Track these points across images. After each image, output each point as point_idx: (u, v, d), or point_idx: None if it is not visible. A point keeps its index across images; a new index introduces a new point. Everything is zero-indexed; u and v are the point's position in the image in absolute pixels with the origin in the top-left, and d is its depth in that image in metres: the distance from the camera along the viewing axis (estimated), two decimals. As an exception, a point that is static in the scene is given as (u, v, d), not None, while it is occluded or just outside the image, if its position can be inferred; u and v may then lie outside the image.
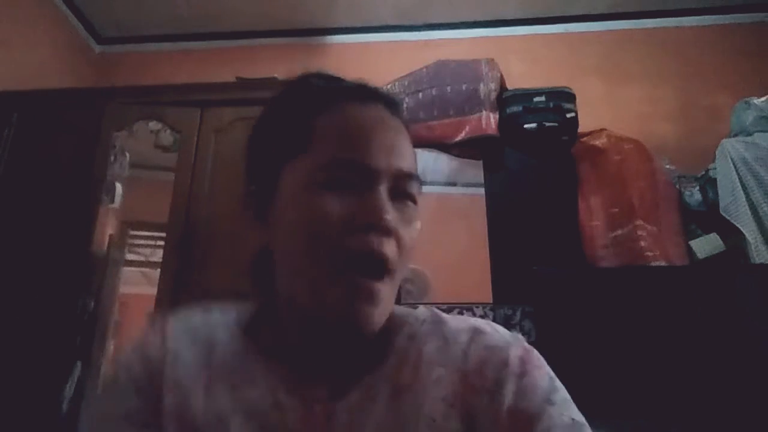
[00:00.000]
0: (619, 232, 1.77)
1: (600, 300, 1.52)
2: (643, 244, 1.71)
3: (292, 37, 2.69)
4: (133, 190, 2.05)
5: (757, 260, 1.66)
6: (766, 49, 2.38)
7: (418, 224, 0.49)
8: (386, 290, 0.46)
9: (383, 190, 0.46)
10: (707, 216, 1.85)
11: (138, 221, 2.21)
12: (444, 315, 0.54)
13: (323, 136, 0.48)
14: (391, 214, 0.45)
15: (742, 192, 1.74)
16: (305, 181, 0.47)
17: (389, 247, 0.45)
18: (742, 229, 1.70)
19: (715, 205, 1.80)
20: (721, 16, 2.47)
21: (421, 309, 0.55)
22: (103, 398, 0.51)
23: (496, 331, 0.51)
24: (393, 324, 0.51)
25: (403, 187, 0.48)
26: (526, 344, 0.50)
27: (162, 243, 1.83)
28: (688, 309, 1.46)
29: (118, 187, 1.99)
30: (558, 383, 0.48)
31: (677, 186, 1.93)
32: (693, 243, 1.79)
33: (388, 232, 0.45)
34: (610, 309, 1.49)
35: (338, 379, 0.48)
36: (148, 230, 2.26)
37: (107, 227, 1.94)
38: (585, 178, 1.89)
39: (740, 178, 1.76)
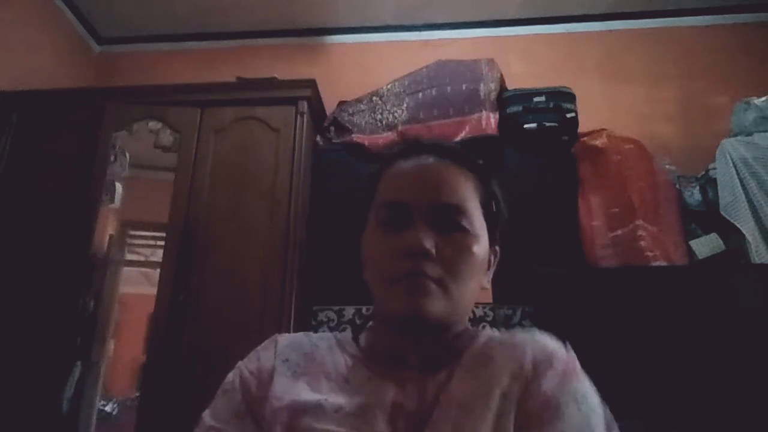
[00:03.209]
0: (619, 232, 1.77)
1: (600, 300, 1.51)
2: (643, 244, 1.71)
3: (292, 37, 2.69)
4: (133, 190, 2.06)
5: (757, 260, 1.66)
6: (766, 49, 2.38)
7: (475, 248, 0.59)
8: (437, 291, 0.56)
9: (422, 222, 0.57)
10: (707, 216, 1.85)
11: (138, 221, 2.21)
12: (511, 331, 0.63)
13: (381, 186, 0.64)
14: (429, 242, 0.56)
15: (742, 192, 1.74)
16: (372, 221, 0.63)
17: (429, 267, 0.55)
18: (742, 229, 1.70)
19: (715, 205, 1.80)
20: (721, 16, 2.48)
21: (487, 327, 0.64)
22: (216, 399, 0.60)
23: (549, 339, 0.60)
24: (469, 335, 0.62)
25: (448, 218, 0.59)
26: (574, 356, 0.58)
27: (162, 243, 1.83)
28: (688, 309, 1.46)
29: (118, 187, 2.00)
30: (591, 397, 0.55)
31: (677, 186, 1.93)
32: (693, 243, 1.79)
33: (425, 255, 0.55)
34: (610, 309, 1.49)
35: (426, 368, 0.57)
36: (148, 230, 2.26)
37: (107, 227, 1.95)
38: (585, 178, 1.89)
39: (740, 178, 1.76)
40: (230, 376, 0.62)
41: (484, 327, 0.67)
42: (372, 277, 0.61)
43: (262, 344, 0.65)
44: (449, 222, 0.59)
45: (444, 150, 0.65)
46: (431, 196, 0.59)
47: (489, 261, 0.64)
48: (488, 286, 0.64)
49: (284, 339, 0.65)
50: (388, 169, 0.65)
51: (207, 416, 0.58)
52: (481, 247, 0.60)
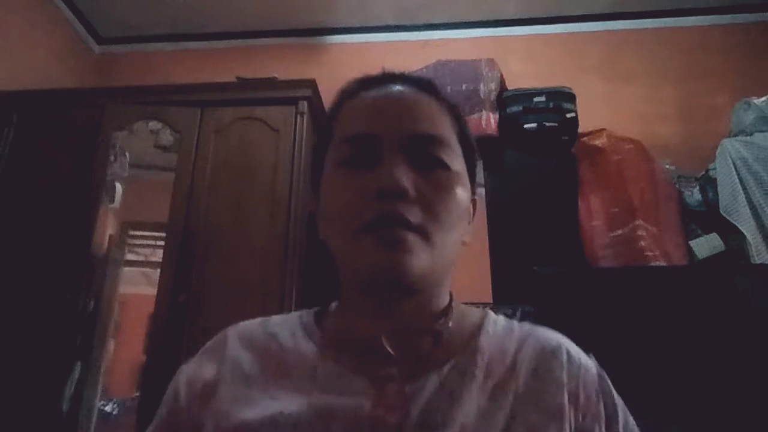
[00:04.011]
0: (619, 232, 1.77)
1: (600, 300, 1.51)
2: (643, 244, 1.70)
3: (292, 37, 2.69)
4: (133, 190, 2.06)
5: (757, 260, 1.66)
6: (766, 49, 2.38)
7: (458, 190, 0.49)
8: (418, 242, 0.45)
9: (396, 157, 0.47)
10: (707, 216, 1.84)
11: (138, 221, 2.21)
12: (520, 323, 0.55)
13: (341, 121, 0.53)
14: (406, 179, 0.45)
15: (742, 192, 1.74)
16: (331, 163, 0.51)
17: (408, 209, 0.45)
18: (742, 229, 1.70)
19: (715, 205, 1.80)
20: (721, 16, 2.47)
21: (490, 311, 0.56)
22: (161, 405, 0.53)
23: (581, 353, 0.52)
24: (467, 322, 0.53)
25: (426, 152, 0.48)
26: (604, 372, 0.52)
27: (162, 243, 1.82)
28: (688, 309, 1.46)
29: (118, 187, 1.99)
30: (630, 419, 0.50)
31: (677, 186, 1.93)
32: (693, 243, 1.79)
33: (402, 195, 0.45)
34: (610, 309, 1.49)
35: (411, 363, 0.47)
36: (148, 230, 2.26)
37: (107, 227, 1.95)
38: (585, 178, 1.89)
39: (740, 178, 1.76)
40: (171, 383, 0.53)
41: (484, 308, 0.58)
42: (332, 231, 0.49)
43: (211, 342, 0.55)
44: (428, 156, 0.48)
45: (415, 79, 0.55)
46: (406, 126, 0.49)
47: (469, 211, 0.54)
48: (468, 240, 0.53)
49: (235, 334, 0.54)
50: (348, 102, 0.54)
51: None
52: (465, 189, 0.50)
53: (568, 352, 0.51)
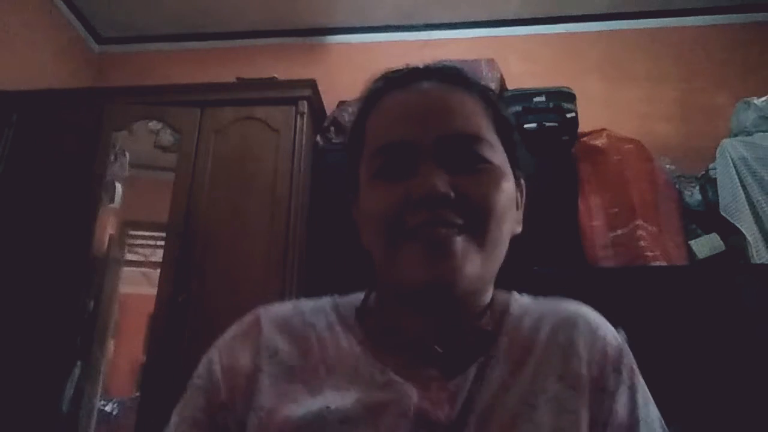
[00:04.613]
0: (619, 232, 1.76)
1: (600, 300, 1.51)
2: (643, 244, 1.70)
3: (292, 37, 2.69)
4: (133, 190, 2.06)
5: (757, 260, 1.66)
6: (766, 49, 2.38)
7: (503, 183, 0.47)
8: (467, 244, 0.43)
9: (431, 163, 0.45)
10: (707, 216, 1.84)
11: (138, 221, 2.21)
12: (544, 299, 0.55)
13: (371, 132, 0.50)
14: (443, 184, 0.43)
15: (742, 192, 1.74)
16: (366, 176, 0.49)
17: (452, 213, 0.43)
18: (742, 229, 1.70)
19: (715, 205, 1.80)
20: (721, 16, 2.47)
21: (515, 292, 0.56)
22: (184, 396, 0.50)
23: (606, 325, 0.53)
24: (499, 305, 0.52)
25: (464, 152, 0.46)
26: (629, 351, 0.52)
27: (162, 243, 1.83)
28: (688, 309, 1.46)
29: (118, 187, 1.99)
30: (650, 400, 0.50)
31: (677, 186, 1.93)
32: (693, 243, 1.79)
33: (443, 200, 0.43)
34: (610, 309, 1.48)
35: (450, 360, 0.47)
36: (148, 230, 2.26)
37: (107, 227, 1.95)
38: (585, 178, 1.89)
39: (740, 178, 1.76)
40: (200, 368, 0.50)
41: (510, 292, 0.56)
42: (372, 242, 0.48)
43: (241, 324, 0.52)
44: (465, 156, 0.46)
45: (442, 72, 0.51)
46: (438, 128, 0.46)
47: (517, 199, 0.52)
48: (520, 229, 0.52)
49: (270, 318, 0.52)
50: (377, 105, 0.51)
51: (171, 424, 0.48)
52: (509, 182, 0.48)
53: (588, 323, 0.51)
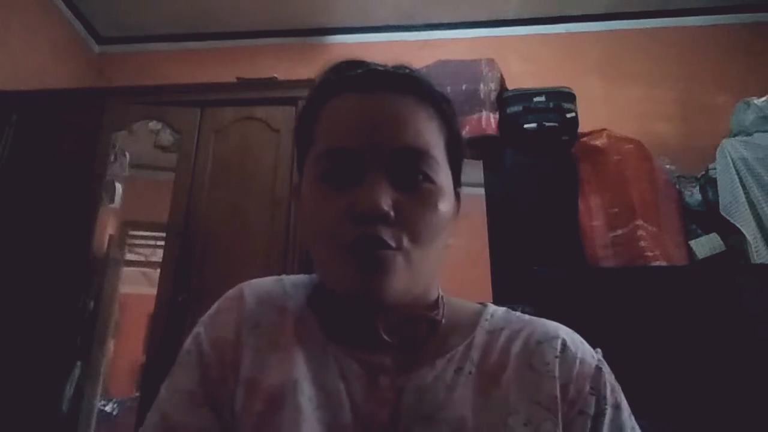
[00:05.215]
0: (619, 232, 1.76)
1: (600, 300, 1.51)
2: (643, 244, 1.70)
3: (292, 37, 2.69)
4: (133, 190, 2.06)
5: (757, 260, 1.66)
6: (766, 49, 2.38)
7: (441, 204, 0.48)
8: (397, 262, 0.45)
9: (377, 175, 0.46)
10: (707, 216, 1.84)
11: (138, 221, 2.21)
12: (520, 315, 0.55)
13: (321, 129, 0.50)
14: (386, 200, 0.44)
15: (742, 192, 1.74)
16: (310, 175, 0.49)
17: (388, 231, 0.44)
18: (742, 229, 1.70)
19: (715, 205, 1.80)
20: (721, 16, 2.47)
21: (490, 305, 0.56)
22: (173, 371, 0.51)
23: (582, 344, 0.52)
24: (464, 315, 0.53)
25: (409, 167, 0.47)
26: (608, 369, 0.51)
27: (162, 243, 1.82)
28: (688, 309, 1.46)
29: (118, 187, 1.99)
30: (633, 419, 0.49)
31: (677, 186, 1.93)
32: (693, 243, 1.79)
33: (383, 219, 0.44)
34: (610, 309, 1.49)
35: (404, 355, 0.48)
36: (148, 230, 2.26)
37: (107, 227, 1.95)
38: (585, 178, 1.89)
39: (740, 178, 1.76)
40: (187, 343, 0.51)
41: (485, 305, 0.57)
42: (312, 245, 0.49)
43: (225, 298, 0.55)
44: (411, 172, 0.47)
45: (399, 79, 0.51)
46: (388, 140, 0.47)
47: (454, 211, 0.53)
48: (451, 241, 0.52)
49: (252, 291, 0.54)
50: (328, 102, 0.51)
51: (163, 399, 0.49)
52: (447, 201, 0.49)
53: (564, 343, 0.50)
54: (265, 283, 0.56)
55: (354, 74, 0.52)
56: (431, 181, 0.48)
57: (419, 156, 0.47)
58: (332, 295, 0.51)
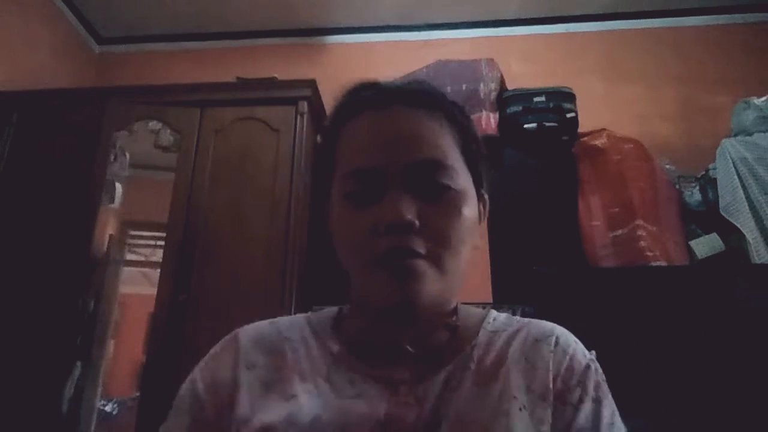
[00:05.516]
0: (619, 232, 1.76)
1: (600, 300, 1.51)
2: (643, 244, 1.70)
3: (292, 37, 2.69)
4: (133, 190, 2.06)
5: (757, 260, 1.66)
6: (766, 49, 2.38)
7: (464, 209, 0.50)
8: (428, 269, 0.47)
9: (397, 189, 0.48)
10: (707, 216, 1.84)
11: (138, 221, 2.21)
12: (521, 318, 0.58)
13: (341, 153, 0.53)
14: (410, 211, 0.47)
15: (742, 192, 1.74)
16: (337, 197, 0.53)
17: (416, 241, 0.47)
18: (742, 229, 1.70)
19: (715, 205, 1.80)
20: (721, 16, 2.47)
21: (492, 310, 0.60)
22: (169, 416, 0.52)
23: (576, 343, 0.54)
24: (471, 320, 0.55)
25: (428, 179, 0.49)
26: (599, 369, 0.53)
27: (162, 243, 1.82)
28: (688, 309, 1.46)
29: (118, 187, 1.99)
30: (617, 418, 0.50)
31: (677, 186, 1.93)
32: (693, 243, 1.79)
33: (407, 229, 0.46)
34: (610, 309, 1.49)
35: (421, 365, 0.50)
36: (148, 230, 2.26)
37: (107, 227, 1.94)
38: (585, 178, 1.89)
39: (740, 178, 1.76)
40: (183, 388, 0.53)
41: (485, 308, 0.61)
42: (345, 261, 0.52)
43: (220, 343, 0.56)
44: (430, 183, 0.49)
45: (411, 95, 0.54)
46: (406, 155, 0.49)
47: (480, 213, 0.56)
48: (480, 243, 0.56)
49: (247, 335, 0.55)
50: (347, 125, 0.54)
51: None
52: (470, 204, 0.52)
53: (557, 339, 0.53)
54: (260, 326, 0.57)
55: (368, 94, 0.55)
56: (452, 188, 0.50)
57: (436, 167, 0.50)
58: (355, 317, 0.55)
